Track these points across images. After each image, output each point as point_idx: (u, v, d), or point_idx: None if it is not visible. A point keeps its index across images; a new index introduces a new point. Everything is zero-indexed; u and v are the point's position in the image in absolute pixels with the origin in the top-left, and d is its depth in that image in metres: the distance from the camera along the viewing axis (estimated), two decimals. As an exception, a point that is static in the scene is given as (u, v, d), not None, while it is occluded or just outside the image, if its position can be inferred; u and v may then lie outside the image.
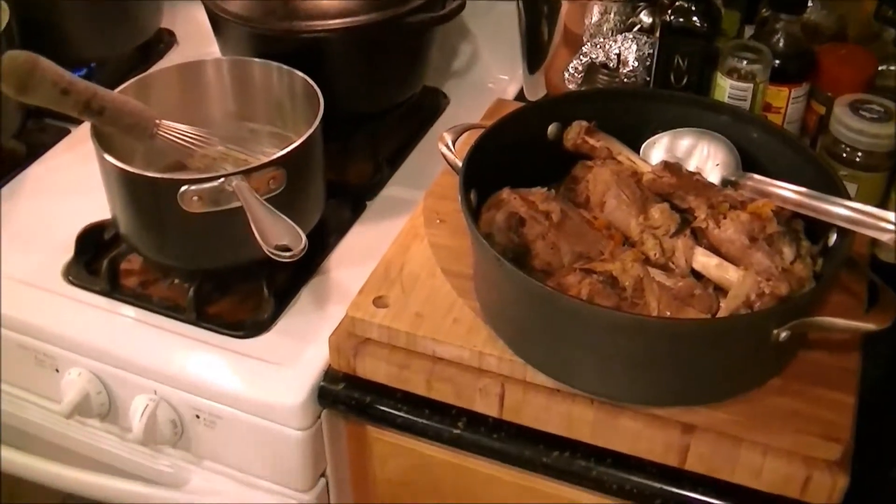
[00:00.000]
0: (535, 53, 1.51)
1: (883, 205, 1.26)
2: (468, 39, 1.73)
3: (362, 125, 1.51)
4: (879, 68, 1.33)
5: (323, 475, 1.29)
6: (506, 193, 1.17)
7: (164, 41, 1.80)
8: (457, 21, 1.62)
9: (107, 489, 1.34)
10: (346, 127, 1.42)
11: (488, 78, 1.71)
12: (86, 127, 1.55)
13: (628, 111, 1.27)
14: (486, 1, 1.67)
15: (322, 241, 1.38)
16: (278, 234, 1.11)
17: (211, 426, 1.25)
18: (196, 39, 1.74)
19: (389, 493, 1.32)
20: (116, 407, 1.31)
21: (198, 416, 1.26)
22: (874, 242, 1.26)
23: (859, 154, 1.25)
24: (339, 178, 1.43)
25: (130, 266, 1.36)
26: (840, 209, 1.09)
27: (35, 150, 1.58)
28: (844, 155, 1.25)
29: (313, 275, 1.34)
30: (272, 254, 1.09)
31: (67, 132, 1.62)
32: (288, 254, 1.09)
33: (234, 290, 1.33)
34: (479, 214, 1.17)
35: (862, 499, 1.07)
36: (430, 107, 1.64)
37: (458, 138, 1.23)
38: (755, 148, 1.23)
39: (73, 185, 1.49)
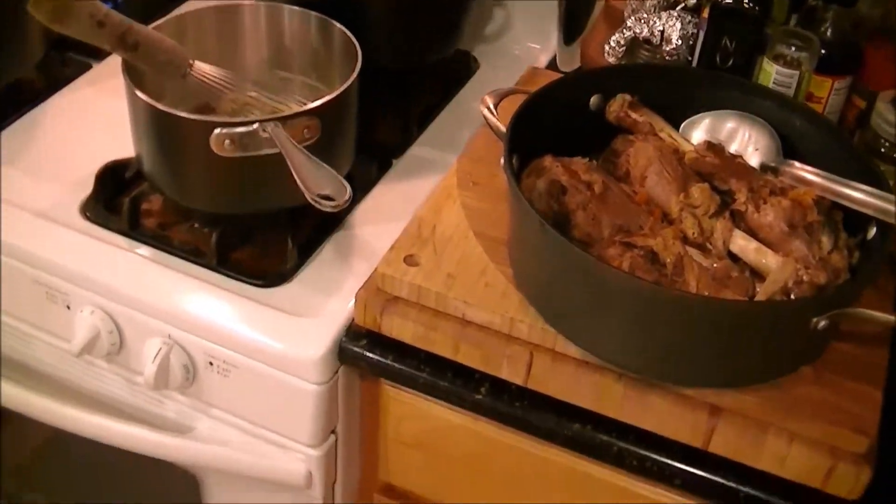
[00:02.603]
0: (572, 24, 1.52)
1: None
2: (502, 5, 1.74)
3: (393, 83, 1.51)
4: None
5: (333, 432, 1.29)
6: (548, 161, 1.17)
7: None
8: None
9: (108, 430, 1.33)
10: (376, 83, 1.42)
11: (519, 46, 1.70)
12: (108, 63, 1.57)
13: (672, 89, 1.28)
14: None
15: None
16: (321, 183, 1.11)
17: (224, 374, 1.25)
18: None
19: (399, 454, 1.33)
20: (128, 349, 1.30)
21: (211, 364, 1.26)
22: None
23: (901, 150, 1.26)
24: (366, 135, 1.42)
25: (150, 207, 1.35)
26: (883, 203, 1.10)
27: (56, 83, 1.57)
28: (883, 150, 1.26)
29: (337, 229, 1.34)
30: (315, 202, 1.09)
31: (89, 67, 1.61)
32: (331, 203, 1.09)
33: (256, 239, 1.32)
34: (520, 180, 1.17)
35: (880, 493, 1.08)
36: (461, 70, 1.64)
37: (499, 102, 1.23)
38: (797, 136, 1.23)
39: (93, 121, 1.48)
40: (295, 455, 1.29)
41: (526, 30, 1.73)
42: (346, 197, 1.10)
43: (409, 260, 1.18)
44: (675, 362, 1.08)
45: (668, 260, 1.08)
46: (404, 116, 1.51)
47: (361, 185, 1.40)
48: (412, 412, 1.27)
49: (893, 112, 1.25)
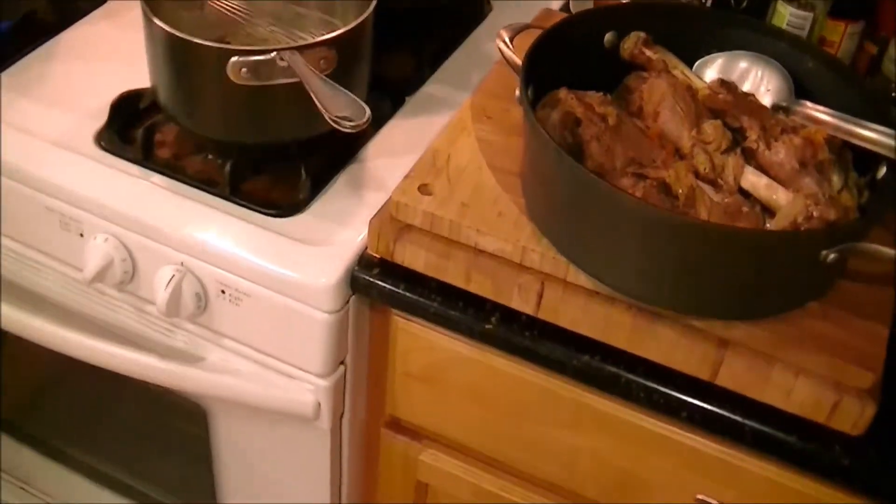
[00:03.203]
0: (586, -33, 1.54)
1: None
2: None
3: (407, 22, 1.52)
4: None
5: (342, 363, 1.32)
6: (563, 93, 1.19)
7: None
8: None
9: (119, 357, 1.36)
10: (391, 22, 1.44)
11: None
12: (123, -2, 1.58)
13: (686, 29, 1.29)
14: None
15: (362, 130, 1.39)
16: (340, 106, 1.13)
17: (236, 302, 1.28)
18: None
19: (406, 387, 1.35)
20: (140, 277, 1.33)
21: (223, 292, 1.28)
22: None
23: (910, 95, 1.28)
24: (380, 72, 1.44)
25: (163, 138, 1.37)
26: (893, 142, 1.12)
27: (69, 17, 1.58)
28: (895, 94, 1.28)
29: (350, 162, 1.36)
30: (334, 122, 1.11)
31: (104, 1, 1.62)
32: (351, 123, 1.11)
33: (269, 170, 1.34)
34: (535, 112, 1.19)
35: (883, 432, 1.10)
36: (474, 12, 1.66)
37: (515, 36, 1.24)
38: (809, 78, 1.25)
39: (108, 53, 1.50)
40: (304, 385, 1.31)
41: (539, -26, 1.74)
42: (366, 117, 1.12)
43: (424, 189, 1.20)
44: (684, 292, 1.10)
45: (680, 191, 1.10)
46: (417, 55, 1.53)
47: (375, 120, 1.38)
48: (420, 344, 1.29)
49: (905, 57, 1.27)
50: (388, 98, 1.45)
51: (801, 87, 1.26)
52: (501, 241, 1.15)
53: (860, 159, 1.17)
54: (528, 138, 1.17)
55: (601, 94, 1.22)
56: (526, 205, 1.18)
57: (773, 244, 1.06)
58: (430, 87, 1.51)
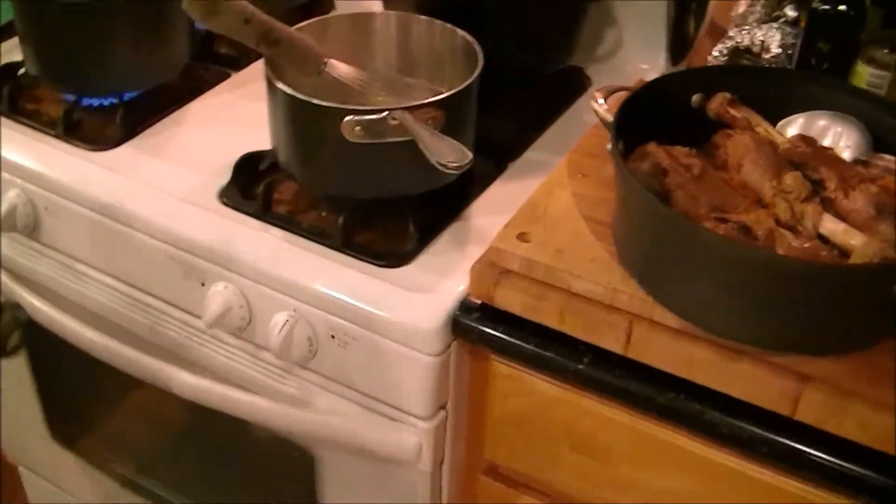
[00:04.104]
0: (679, 45, 1.66)
1: None
2: (614, 26, 1.85)
3: (510, 91, 1.66)
4: None
5: (443, 408, 1.41)
6: (652, 146, 1.29)
7: (322, 4, 1.96)
8: (605, 6, 1.76)
9: (234, 401, 1.49)
10: (496, 90, 1.56)
11: (630, 65, 1.82)
12: (246, 72, 1.73)
13: (768, 89, 1.39)
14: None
15: (466, 191, 1.52)
16: (446, 152, 1.25)
17: (344, 346, 1.38)
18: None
19: (504, 433, 1.44)
20: (255, 322, 1.44)
21: (333, 336, 1.38)
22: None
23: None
24: (485, 137, 1.56)
25: (281, 196, 1.50)
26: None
27: (198, 88, 1.75)
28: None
29: (455, 219, 1.48)
30: (441, 165, 1.24)
31: (228, 75, 1.79)
32: (455, 165, 1.23)
33: (379, 225, 1.45)
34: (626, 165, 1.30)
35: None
36: (574, 85, 1.78)
37: (608, 97, 1.36)
38: (889, 134, 1.34)
39: (232, 120, 1.65)
40: (407, 427, 1.40)
41: (636, 49, 1.84)
42: (468, 160, 1.25)
43: (522, 237, 1.30)
44: (765, 328, 1.18)
45: (760, 232, 1.19)
46: (521, 122, 1.66)
47: (480, 181, 1.54)
48: (517, 388, 1.38)
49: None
50: (492, 160, 1.57)
51: (880, 143, 1.34)
52: (593, 284, 1.25)
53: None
54: (618, 186, 1.26)
55: (687, 148, 1.32)
56: (616, 251, 1.28)
57: (845, 276, 1.14)
58: (532, 153, 1.62)
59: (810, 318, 1.16)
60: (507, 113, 1.67)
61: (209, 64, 1.80)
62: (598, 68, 1.84)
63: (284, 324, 1.39)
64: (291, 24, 1.43)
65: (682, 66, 1.65)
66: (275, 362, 1.46)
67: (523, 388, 1.37)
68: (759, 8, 1.52)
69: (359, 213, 1.44)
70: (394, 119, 1.32)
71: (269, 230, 1.45)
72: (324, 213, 1.47)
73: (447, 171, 1.24)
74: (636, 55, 1.83)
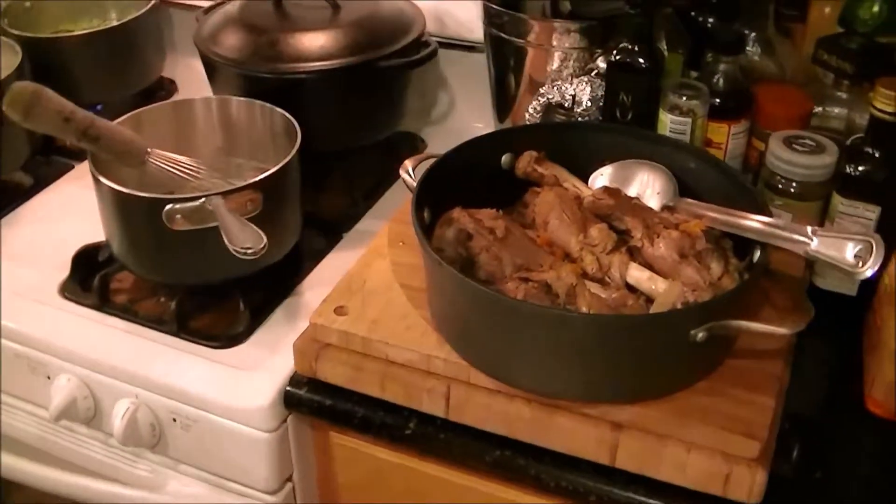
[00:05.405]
0: (503, 103, 1.63)
1: (818, 233, 1.34)
2: (446, 89, 1.84)
3: (340, 162, 1.63)
4: (816, 109, 1.42)
5: (290, 479, 1.37)
6: (456, 212, 1.26)
7: (165, 88, 1.95)
8: (436, 71, 1.73)
9: (89, 490, 1.44)
10: (324, 163, 1.53)
11: (464, 126, 1.79)
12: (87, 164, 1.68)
13: (577, 143, 1.37)
14: (461, 52, 1.78)
15: (297, 267, 1.48)
16: (244, 239, 1.21)
17: (186, 429, 1.34)
18: (195, 86, 1.83)
19: (354, 499, 1.40)
20: (101, 411, 1.40)
21: (174, 420, 1.35)
22: (812, 270, 1.36)
23: (794, 185, 1.33)
24: (316, 211, 1.54)
25: (121, 285, 1.46)
26: (759, 225, 1.19)
27: (41, 182, 1.71)
28: (780, 186, 1.34)
29: (288, 296, 1.44)
30: (237, 252, 1.20)
31: (71, 167, 1.74)
32: (251, 250, 1.19)
33: (215, 306, 1.42)
34: (433, 232, 1.27)
35: (788, 499, 1.14)
36: (406, 149, 1.73)
37: (418, 165, 1.33)
38: (694, 176, 1.32)
39: (73, 212, 1.60)
40: (255, 503, 1.37)
41: (470, 110, 1.82)
42: (262, 245, 1.21)
43: (339, 310, 1.27)
44: (572, 381, 1.15)
45: (561, 289, 1.16)
46: (351, 193, 1.62)
47: (311, 256, 1.50)
48: (356, 456, 1.34)
49: (783, 149, 1.33)
50: (323, 234, 1.54)
51: (688, 186, 1.32)
52: (408, 351, 1.22)
53: (742, 245, 1.23)
54: (422, 255, 1.23)
55: (494, 210, 1.29)
56: (431, 316, 1.25)
57: (637, 327, 1.11)
58: (365, 223, 1.59)
59: (615, 368, 1.13)
60: (340, 184, 1.64)
61: (52, 157, 1.75)
62: (434, 131, 1.82)
63: (126, 411, 1.35)
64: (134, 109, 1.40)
65: (508, 123, 1.61)
66: (126, 448, 1.41)
67: (362, 455, 1.34)
68: (571, 62, 1.49)
69: (193, 297, 1.41)
70: (211, 206, 1.28)
71: (108, 320, 1.42)
72: (162, 300, 1.43)
73: (243, 257, 1.20)
74: (470, 115, 1.81)
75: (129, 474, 1.44)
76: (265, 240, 1.21)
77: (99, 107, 1.72)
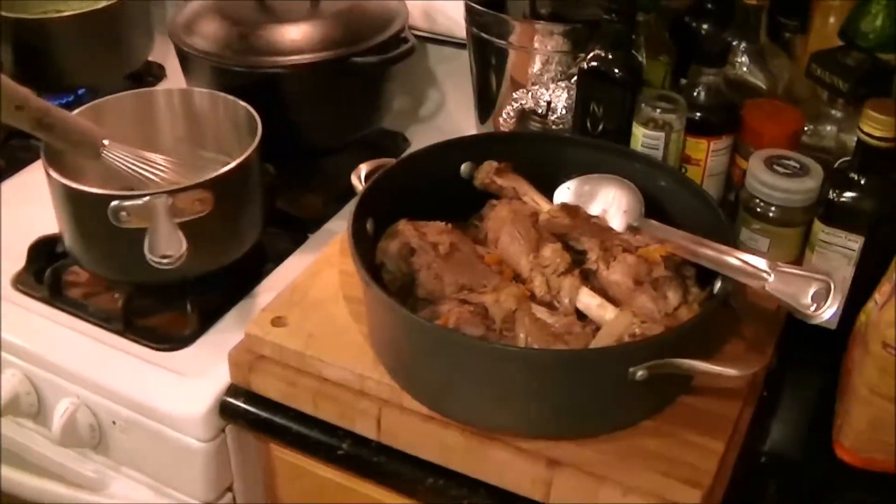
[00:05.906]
0: (485, 104, 1.53)
1: (797, 261, 1.23)
2: (435, 86, 1.76)
3: (315, 160, 1.54)
4: (809, 126, 1.31)
5: (230, 489, 1.31)
6: (402, 224, 1.18)
7: (153, 73, 1.87)
8: (424, 67, 1.64)
9: (24, 486, 1.39)
10: (298, 160, 1.45)
11: (452, 125, 1.71)
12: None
13: (544, 155, 1.28)
14: (451, 48, 1.70)
15: (257, 268, 1.41)
16: (162, 247, 1.14)
17: (125, 432, 1.28)
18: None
19: (297, 512, 1.33)
20: (45, 409, 1.34)
21: (114, 423, 1.29)
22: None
23: (772, 209, 1.22)
24: (286, 209, 1.46)
25: (78, 279, 1.40)
26: (714, 254, 1.09)
27: (15, 166, 1.65)
28: (759, 210, 1.23)
29: (243, 298, 1.37)
30: (153, 262, 1.13)
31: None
32: (167, 260, 1.12)
33: (167, 306, 1.35)
34: (378, 242, 1.18)
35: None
36: (388, 148, 1.64)
37: (371, 171, 1.24)
38: (665, 195, 1.23)
39: (41, 199, 1.53)
40: (194, 511, 1.30)
41: (458, 110, 1.74)
42: (180, 254, 1.15)
43: (277, 321, 1.19)
44: (508, 414, 1.06)
45: (498, 315, 1.07)
46: (327, 192, 1.53)
47: (273, 257, 1.43)
48: (297, 472, 1.27)
49: (763, 170, 1.22)
50: (289, 234, 1.47)
51: (658, 205, 1.23)
52: (341, 370, 1.14)
53: (709, 273, 1.13)
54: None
55: (443, 224, 1.20)
56: (368, 333, 1.17)
57: (567, 363, 1.02)
58: (335, 224, 1.51)
59: (549, 403, 1.05)
60: (317, 183, 1.56)
61: (31, 140, 1.67)
62: (420, 129, 1.73)
63: (65, 410, 1.29)
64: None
65: (490, 126, 1.52)
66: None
67: (302, 472, 1.26)
68: (554, 66, 1.39)
69: (142, 294, 1.34)
70: (150, 205, 1.21)
71: (57, 316, 1.35)
72: (116, 296, 1.36)
73: (158, 266, 1.12)
74: (458, 114, 1.73)
75: (75, 473, 1.38)
76: (182, 250, 1.14)
77: (81, 91, 1.66)
